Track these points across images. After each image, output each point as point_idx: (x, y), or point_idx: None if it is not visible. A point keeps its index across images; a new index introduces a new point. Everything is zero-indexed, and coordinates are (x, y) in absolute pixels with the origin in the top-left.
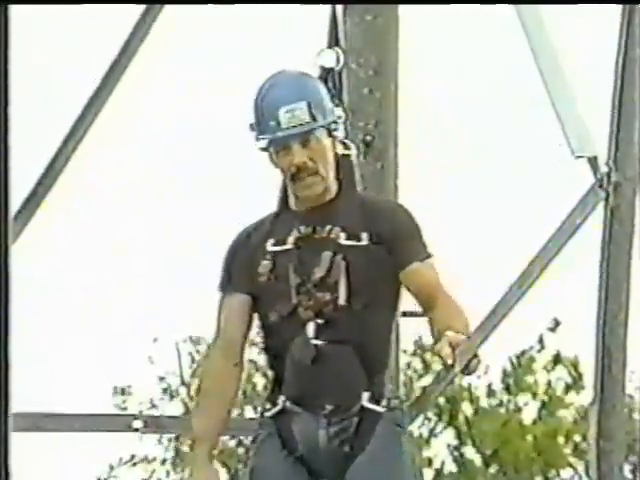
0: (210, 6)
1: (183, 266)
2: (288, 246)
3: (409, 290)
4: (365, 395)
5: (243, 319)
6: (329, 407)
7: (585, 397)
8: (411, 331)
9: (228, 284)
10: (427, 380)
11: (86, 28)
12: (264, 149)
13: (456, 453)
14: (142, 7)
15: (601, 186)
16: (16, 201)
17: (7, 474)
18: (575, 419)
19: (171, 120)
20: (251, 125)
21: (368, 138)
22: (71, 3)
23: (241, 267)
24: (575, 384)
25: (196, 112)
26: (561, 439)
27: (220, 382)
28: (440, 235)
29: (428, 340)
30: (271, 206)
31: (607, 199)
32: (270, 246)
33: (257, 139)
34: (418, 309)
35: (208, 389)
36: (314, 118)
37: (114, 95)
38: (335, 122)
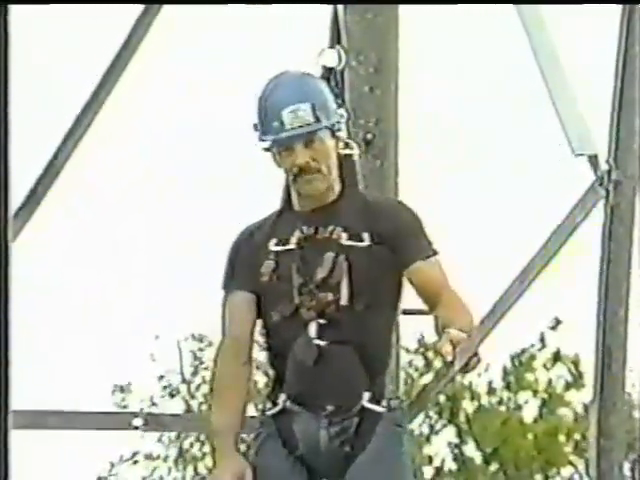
0: (210, 6)
1: (183, 266)
2: (291, 246)
3: (414, 288)
4: (366, 395)
5: (248, 317)
6: (330, 407)
7: (586, 395)
8: (413, 329)
9: (231, 282)
10: (429, 378)
11: (86, 28)
12: (267, 149)
13: (456, 451)
14: (141, 7)
15: (601, 184)
16: (16, 200)
17: (7, 472)
18: (576, 417)
19: (171, 120)
20: (254, 125)
21: (369, 136)
22: (71, 3)
23: (244, 266)
24: (576, 382)
25: (196, 112)
26: (561, 437)
27: (232, 381)
28: (440, 235)
29: (430, 338)
30: (271, 206)
31: (607, 197)
32: (273, 246)
33: (260, 139)
34: (420, 307)
35: (222, 388)
36: (318, 119)
37: (114, 95)
38: (339, 122)
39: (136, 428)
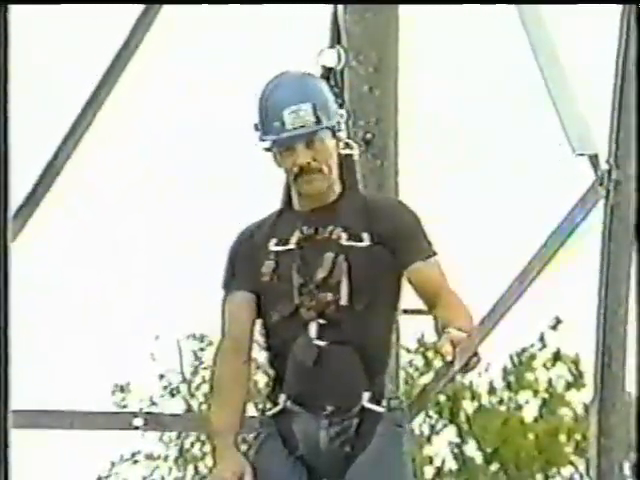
0: (210, 6)
1: (183, 266)
2: (291, 246)
3: (413, 289)
4: (366, 395)
5: (248, 317)
6: (330, 408)
7: (586, 395)
8: (413, 329)
9: (231, 282)
10: (429, 378)
11: (86, 28)
12: (268, 149)
13: (457, 451)
14: (141, 7)
15: (602, 184)
16: (16, 200)
17: (7, 472)
18: (576, 417)
19: (171, 120)
20: (255, 125)
21: (368, 136)
22: (71, 3)
23: (244, 265)
24: (576, 382)
25: (196, 112)
26: (562, 437)
27: (232, 380)
28: (440, 235)
29: (430, 338)
30: (271, 206)
31: (607, 197)
32: (273, 246)
33: (261, 139)
34: (420, 307)
35: (222, 388)
36: (319, 119)
37: (114, 95)
38: (339, 122)
39: (136, 428)
